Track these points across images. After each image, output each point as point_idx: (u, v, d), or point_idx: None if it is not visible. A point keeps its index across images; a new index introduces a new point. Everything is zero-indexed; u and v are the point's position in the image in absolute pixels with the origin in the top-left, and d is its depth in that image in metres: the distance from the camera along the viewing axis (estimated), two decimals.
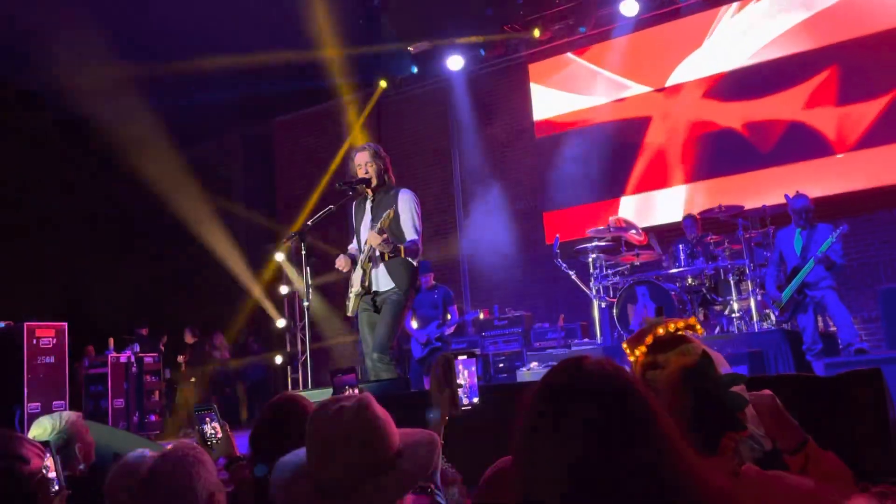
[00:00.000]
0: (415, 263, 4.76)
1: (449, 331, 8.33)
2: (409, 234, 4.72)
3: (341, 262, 4.84)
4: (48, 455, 2.19)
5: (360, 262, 4.74)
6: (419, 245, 4.76)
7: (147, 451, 2.45)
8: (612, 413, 1.01)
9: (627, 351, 1.49)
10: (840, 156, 8.77)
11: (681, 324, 1.46)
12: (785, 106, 9.17)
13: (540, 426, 1.05)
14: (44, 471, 1.71)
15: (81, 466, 3.03)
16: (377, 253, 4.69)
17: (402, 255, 4.66)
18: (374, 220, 4.69)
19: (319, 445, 1.50)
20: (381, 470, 1.48)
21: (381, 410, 1.56)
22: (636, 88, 10.19)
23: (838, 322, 6.57)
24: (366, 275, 4.72)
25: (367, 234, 4.71)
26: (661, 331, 1.44)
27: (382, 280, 4.73)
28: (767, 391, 1.44)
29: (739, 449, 1.33)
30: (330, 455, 1.47)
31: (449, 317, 8.40)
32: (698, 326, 1.49)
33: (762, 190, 8.70)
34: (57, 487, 2.23)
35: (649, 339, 1.44)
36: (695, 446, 1.30)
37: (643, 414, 1.02)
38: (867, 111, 8.68)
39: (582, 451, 0.99)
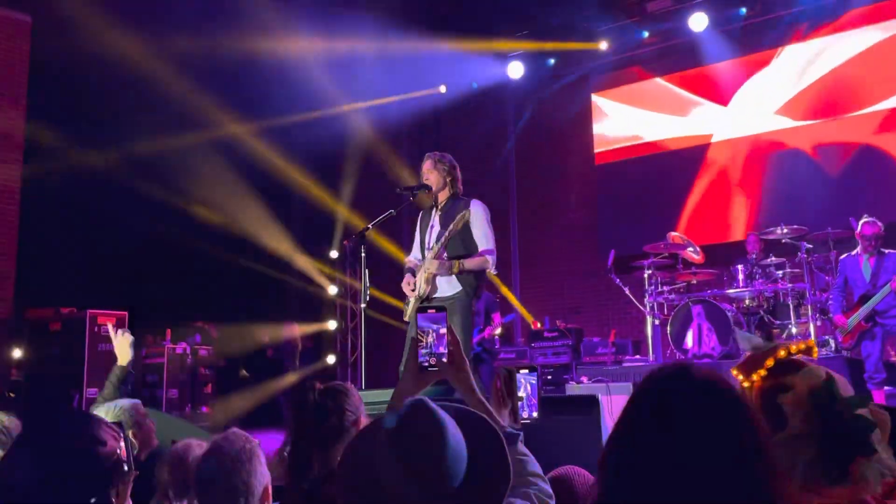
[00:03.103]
0: (489, 269, 4.68)
1: (487, 334, 8.33)
2: (482, 244, 4.66)
3: (407, 286, 4.78)
4: (121, 437, 2.27)
5: (423, 269, 4.70)
6: (492, 258, 4.66)
7: (193, 441, 2.50)
8: (717, 425, 1.01)
9: (740, 377, 1.44)
10: None
11: (802, 346, 1.43)
12: (857, 129, 8.97)
13: (638, 431, 1.06)
14: (118, 452, 1.77)
15: (135, 452, 3.13)
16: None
17: (470, 268, 4.59)
18: (442, 228, 4.69)
19: (394, 472, 1.37)
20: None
21: (448, 421, 1.41)
22: (699, 107, 10.07)
23: None
24: (431, 280, 4.66)
25: (432, 244, 4.70)
26: (782, 353, 1.42)
27: (453, 283, 4.64)
28: (885, 414, 1.41)
29: (866, 473, 1.29)
30: (406, 483, 1.35)
31: (493, 322, 8.43)
32: (815, 350, 1.46)
33: (826, 213, 8.53)
34: (127, 469, 2.31)
35: (770, 363, 1.41)
36: (826, 475, 1.28)
37: (753, 432, 1.02)
38: None
39: (680, 459, 0.99)
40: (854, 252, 6.67)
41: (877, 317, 6.42)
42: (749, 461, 0.99)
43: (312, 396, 2.23)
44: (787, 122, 9.44)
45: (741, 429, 1.01)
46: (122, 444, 2.22)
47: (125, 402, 3.28)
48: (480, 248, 4.66)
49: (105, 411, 3.15)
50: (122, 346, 3.53)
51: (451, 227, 4.49)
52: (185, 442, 2.55)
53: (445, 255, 4.67)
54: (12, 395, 8.84)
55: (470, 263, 4.61)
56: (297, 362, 11.11)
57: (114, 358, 3.56)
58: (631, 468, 1.03)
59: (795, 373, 1.39)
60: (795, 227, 7.57)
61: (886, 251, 6.50)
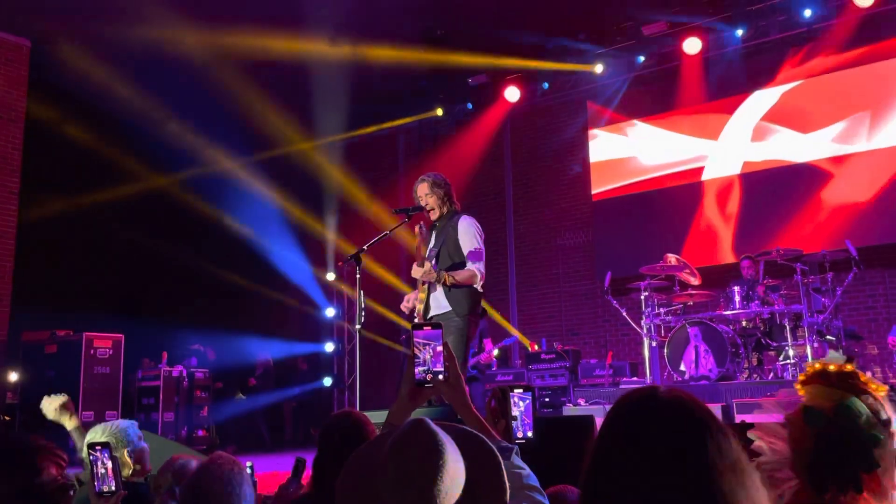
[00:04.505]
0: (477, 287, 4.62)
1: (484, 360, 8.28)
2: (466, 250, 4.62)
3: (408, 304, 4.79)
4: (105, 457, 2.27)
5: (419, 289, 4.71)
6: (479, 270, 4.57)
7: (193, 461, 2.50)
8: (686, 444, 1.02)
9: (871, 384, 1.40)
10: None
11: (847, 367, 1.40)
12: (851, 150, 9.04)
13: (610, 454, 1.06)
14: (63, 477, 1.75)
15: (131, 471, 3.12)
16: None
17: (458, 280, 4.55)
18: (433, 247, 4.71)
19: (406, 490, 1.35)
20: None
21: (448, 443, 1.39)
22: (696, 130, 10.11)
23: None
24: (425, 300, 4.66)
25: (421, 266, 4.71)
26: (832, 367, 1.41)
27: (442, 303, 4.61)
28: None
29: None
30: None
31: (484, 347, 8.38)
32: (874, 386, 1.41)
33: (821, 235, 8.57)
34: (113, 488, 2.30)
35: (810, 369, 1.42)
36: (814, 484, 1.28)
37: (721, 448, 1.02)
38: None
39: (652, 480, 1.00)
40: None
41: None
42: (716, 480, 1.00)
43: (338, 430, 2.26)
44: (781, 141, 9.49)
45: (708, 448, 1.02)
46: (110, 463, 2.21)
47: (121, 423, 3.26)
48: (465, 253, 4.62)
49: (101, 431, 3.14)
50: (50, 407, 3.49)
51: (419, 241, 4.51)
52: (185, 458, 2.55)
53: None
54: (7, 418, 8.79)
55: (458, 275, 4.56)
56: (272, 385, 11.06)
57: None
58: (608, 491, 1.04)
59: (814, 384, 1.40)
60: (789, 249, 7.61)
61: None
